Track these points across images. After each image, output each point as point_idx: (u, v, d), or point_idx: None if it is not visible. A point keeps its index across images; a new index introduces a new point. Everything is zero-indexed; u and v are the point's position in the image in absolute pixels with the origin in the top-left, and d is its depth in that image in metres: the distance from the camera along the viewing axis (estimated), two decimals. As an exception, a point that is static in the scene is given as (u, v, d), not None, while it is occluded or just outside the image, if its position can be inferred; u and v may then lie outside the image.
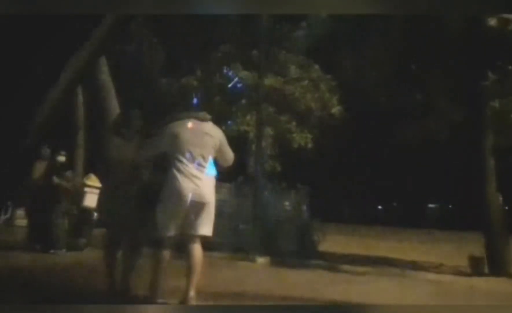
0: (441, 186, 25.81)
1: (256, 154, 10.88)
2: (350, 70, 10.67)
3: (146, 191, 4.68)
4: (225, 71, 14.25)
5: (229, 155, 4.79)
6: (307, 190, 10.04)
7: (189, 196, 4.38)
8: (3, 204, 14.51)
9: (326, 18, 10.61)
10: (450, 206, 31.37)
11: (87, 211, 9.04)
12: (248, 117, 13.65)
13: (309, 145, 14.12)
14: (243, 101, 14.03)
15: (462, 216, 21.41)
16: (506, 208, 9.63)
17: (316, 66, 13.35)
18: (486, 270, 8.42)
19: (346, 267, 8.36)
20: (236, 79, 14.08)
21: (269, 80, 12.86)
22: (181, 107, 4.89)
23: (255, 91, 11.69)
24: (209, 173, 4.56)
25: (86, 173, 10.48)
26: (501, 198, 8.76)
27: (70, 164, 10.71)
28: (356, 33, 10.15)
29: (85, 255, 8.09)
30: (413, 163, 23.21)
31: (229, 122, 13.67)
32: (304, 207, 10.09)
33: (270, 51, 12.39)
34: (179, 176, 4.41)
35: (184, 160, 4.46)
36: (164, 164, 4.58)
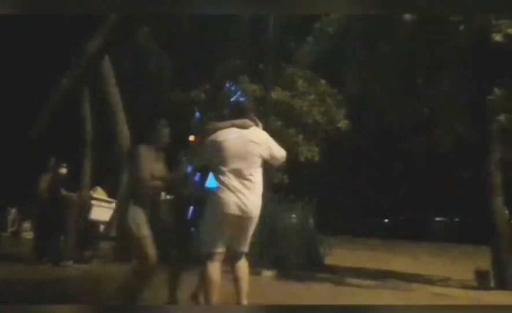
0: (448, 199, 25.72)
1: (264, 167, 10.90)
2: (356, 84, 10.73)
3: (187, 204, 4.57)
4: (230, 84, 14.38)
5: (280, 154, 4.51)
6: (314, 203, 10.06)
7: (234, 212, 4.14)
8: (8, 214, 14.66)
9: (332, 33, 10.69)
10: (457, 220, 31.23)
11: (94, 224, 9.13)
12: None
13: (316, 158, 14.17)
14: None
15: (469, 230, 21.30)
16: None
17: (323, 81, 13.44)
18: (492, 284, 8.40)
19: (352, 280, 8.36)
20: (243, 92, 14.20)
21: (277, 94, 12.95)
22: (221, 117, 4.73)
23: (262, 105, 11.78)
24: (255, 186, 4.27)
25: (93, 185, 10.59)
26: (507, 212, 8.75)
27: (77, 177, 10.83)
28: (362, 47, 10.22)
29: (92, 267, 8.15)
30: (420, 176, 23.16)
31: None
32: (311, 220, 10.10)
33: (277, 65, 12.50)
34: (223, 190, 4.15)
35: (228, 172, 4.18)
36: (206, 177, 4.40)
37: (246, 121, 4.35)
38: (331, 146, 14.56)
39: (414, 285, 8.34)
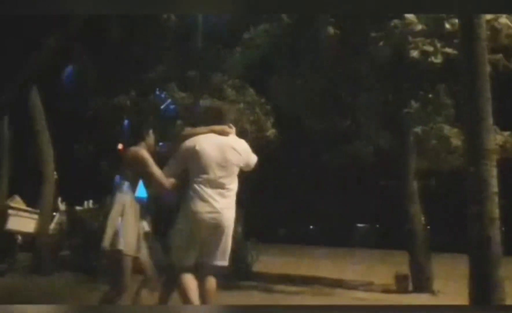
0: (369, 206, 26.87)
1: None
2: (283, 94, 10.97)
3: (166, 213, 4.23)
4: (159, 91, 14.16)
5: (254, 162, 4.28)
6: (242, 210, 10.09)
7: (206, 221, 3.88)
8: None
9: (260, 44, 10.87)
10: (378, 226, 32.65)
11: (11, 235, 8.62)
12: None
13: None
14: (179, 122, 13.96)
15: (389, 236, 22.36)
16: (428, 227, 10.23)
17: (252, 90, 13.59)
18: (410, 287, 8.86)
19: (279, 287, 8.49)
20: (171, 100, 14.03)
21: (205, 102, 12.91)
22: (198, 122, 4.25)
23: (191, 113, 11.71)
24: (232, 195, 4.02)
25: (11, 194, 9.99)
26: (423, 218, 9.29)
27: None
28: (290, 58, 10.48)
29: (6, 281, 7.67)
30: (343, 185, 24.01)
31: (161, 144, 13.48)
32: (239, 228, 10.13)
33: (206, 73, 12.48)
34: (195, 198, 3.88)
35: (202, 180, 3.91)
36: (135, 185, 4.07)
37: (225, 127, 4.09)
38: (260, 155, 14.71)
39: (338, 290, 8.60)
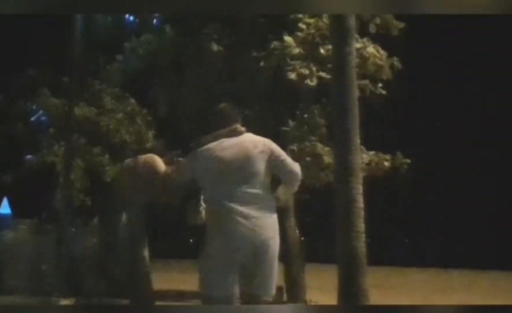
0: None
1: (63, 188, 10.22)
2: (164, 106, 10.87)
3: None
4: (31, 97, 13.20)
5: (292, 166, 3.42)
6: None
7: (241, 242, 3.18)
8: None
9: (143, 54, 10.67)
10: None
11: None
12: (56, 147, 12.82)
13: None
14: (51, 130, 13.15)
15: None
16: (302, 238, 10.73)
17: (132, 100, 13.26)
18: (285, 298, 9.19)
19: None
20: (43, 106, 13.14)
21: (81, 110, 12.33)
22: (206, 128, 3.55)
23: (64, 120, 11.07)
24: (266, 204, 3.28)
25: None
26: (298, 231, 9.73)
27: None
28: (172, 71, 10.42)
29: None
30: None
31: (28, 156, 12.57)
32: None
33: (83, 79, 11.93)
34: (222, 216, 3.19)
35: (224, 193, 3.22)
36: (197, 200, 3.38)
37: (237, 127, 3.43)
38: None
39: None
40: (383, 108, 9.80)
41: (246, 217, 3.20)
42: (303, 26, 8.72)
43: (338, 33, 6.63)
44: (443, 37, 19.83)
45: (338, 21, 6.59)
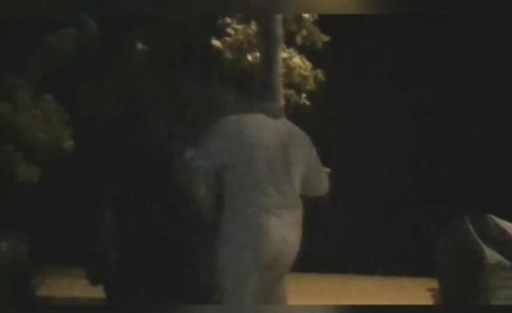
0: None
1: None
2: (86, 104, 10.50)
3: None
4: None
5: (323, 175, 2.81)
6: (26, 231, 9.38)
7: (277, 245, 2.52)
8: None
9: (65, 48, 10.23)
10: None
11: None
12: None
13: (36, 180, 13.03)
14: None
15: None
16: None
17: (49, 96, 12.63)
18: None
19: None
20: None
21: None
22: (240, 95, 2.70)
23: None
24: (298, 210, 2.63)
25: None
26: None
27: None
28: (96, 67, 10.10)
29: None
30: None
31: None
32: (24, 248, 9.28)
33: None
34: (259, 214, 2.49)
35: (261, 186, 2.50)
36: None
37: (277, 105, 2.84)
38: (55, 167, 13.65)
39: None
40: (308, 118, 10.05)
41: (281, 220, 2.56)
42: (232, 32, 8.74)
43: (266, 41, 6.68)
44: (371, 50, 20.48)
45: (266, 29, 6.65)
